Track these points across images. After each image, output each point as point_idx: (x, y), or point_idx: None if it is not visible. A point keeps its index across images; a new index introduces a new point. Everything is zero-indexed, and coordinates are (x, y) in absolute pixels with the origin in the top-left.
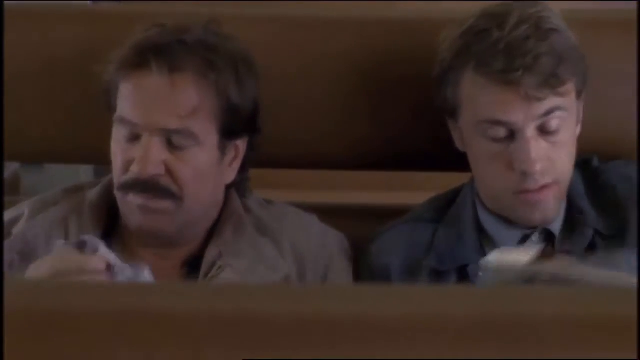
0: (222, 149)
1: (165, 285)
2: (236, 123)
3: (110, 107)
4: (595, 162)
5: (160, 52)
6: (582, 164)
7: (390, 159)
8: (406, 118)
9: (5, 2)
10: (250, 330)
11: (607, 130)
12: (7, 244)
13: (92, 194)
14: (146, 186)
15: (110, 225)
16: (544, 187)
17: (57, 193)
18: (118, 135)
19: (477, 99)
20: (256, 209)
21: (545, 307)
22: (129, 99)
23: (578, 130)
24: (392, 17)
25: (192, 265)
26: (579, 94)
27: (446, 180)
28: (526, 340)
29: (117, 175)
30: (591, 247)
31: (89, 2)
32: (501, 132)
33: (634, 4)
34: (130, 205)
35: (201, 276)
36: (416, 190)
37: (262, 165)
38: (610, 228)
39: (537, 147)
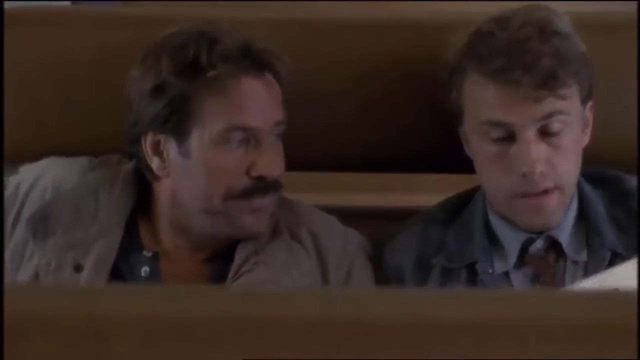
0: None
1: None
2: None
3: (178, 128)
4: (628, 181)
5: (247, 57)
6: (612, 183)
7: (405, 161)
8: (421, 120)
9: (22, 4)
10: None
11: (608, 132)
12: (31, 213)
13: (129, 165)
14: (268, 186)
15: (139, 206)
16: (545, 192)
17: (83, 161)
18: (226, 143)
19: (478, 100)
20: (278, 208)
21: (546, 309)
22: (240, 106)
23: (586, 140)
24: (405, 19)
25: (221, 259)
26: (584, 100)
27: (459, 182)
28: (527, 342)
29: (229, 183)
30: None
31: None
32: (502, 133)
33: (634, 4)
34: (237, 211)
35: (233, 270)
36: (430, 192)
37: None
38: (631, 248)
39: (537, 149)
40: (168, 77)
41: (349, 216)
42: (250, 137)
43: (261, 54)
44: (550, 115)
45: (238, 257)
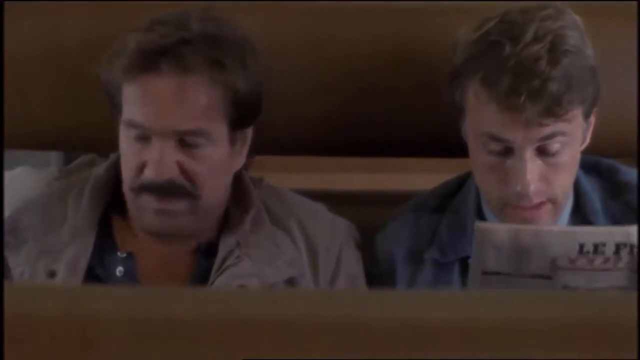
0: (233, 141)
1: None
2: (245, 114)
3: (114, 106)
4: (624, 174)
5: (167, 54)
6: (606, 173)
7: (398, 144)
8: (413, 104)
9: None
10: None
11: (607, 124)
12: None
13: (99, 170)
14: (162, 189)
15: (114, 203)
16: (538, 205)
17: (52, 171)
18: (127, 137)
19: (479, 112)
20: (265, 197)
21: (547, 309)
22: (137, 103)
23: (585, 145)
24: (401, 5)
25: (205, 253)
26: (587, 115)
27: (452, 166)
28: (526, 343)
29: (130, 176)
30: None
31: None
32: (499, 147)
33: (634, 4)
34: (145, 207)
35: (217, 263)
36: (422, 174)
37: (270, 152)
38: None
39: (533, 168)
40: (108, 57)
41: (339, 200)
42: (146, 136)
43: (195, 54)
44: (550, 137)
45: (222, 251)
